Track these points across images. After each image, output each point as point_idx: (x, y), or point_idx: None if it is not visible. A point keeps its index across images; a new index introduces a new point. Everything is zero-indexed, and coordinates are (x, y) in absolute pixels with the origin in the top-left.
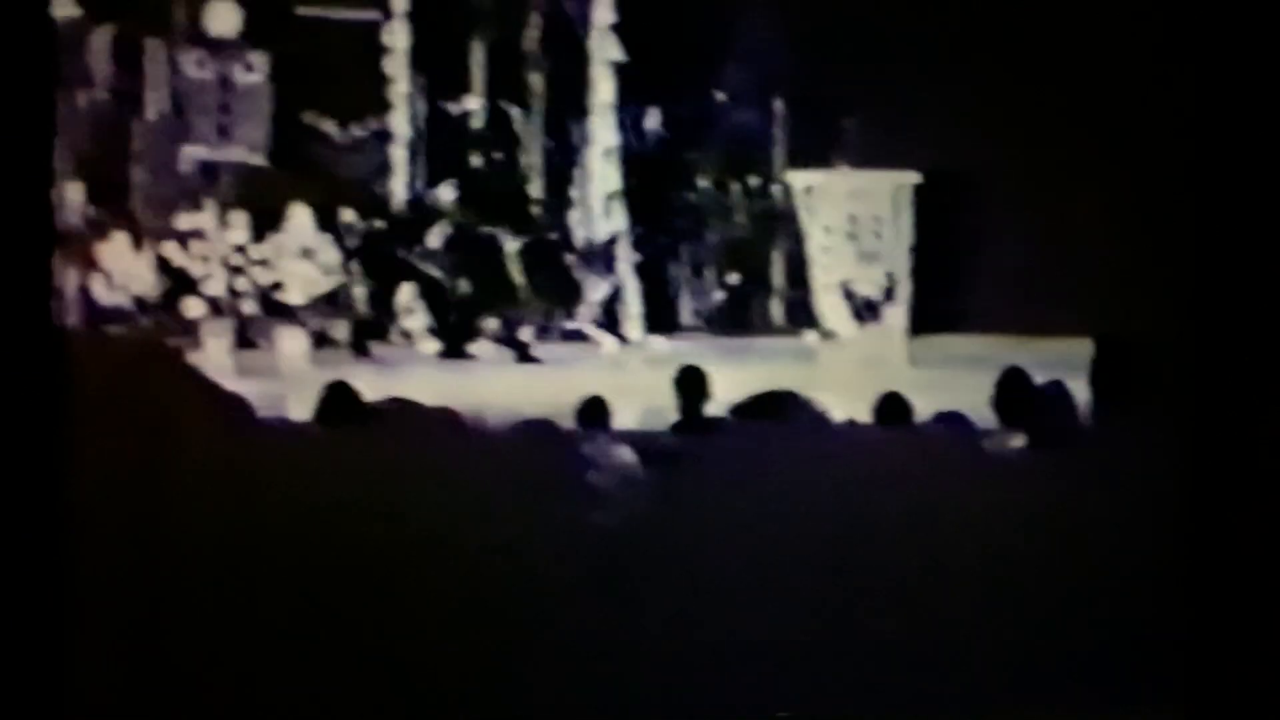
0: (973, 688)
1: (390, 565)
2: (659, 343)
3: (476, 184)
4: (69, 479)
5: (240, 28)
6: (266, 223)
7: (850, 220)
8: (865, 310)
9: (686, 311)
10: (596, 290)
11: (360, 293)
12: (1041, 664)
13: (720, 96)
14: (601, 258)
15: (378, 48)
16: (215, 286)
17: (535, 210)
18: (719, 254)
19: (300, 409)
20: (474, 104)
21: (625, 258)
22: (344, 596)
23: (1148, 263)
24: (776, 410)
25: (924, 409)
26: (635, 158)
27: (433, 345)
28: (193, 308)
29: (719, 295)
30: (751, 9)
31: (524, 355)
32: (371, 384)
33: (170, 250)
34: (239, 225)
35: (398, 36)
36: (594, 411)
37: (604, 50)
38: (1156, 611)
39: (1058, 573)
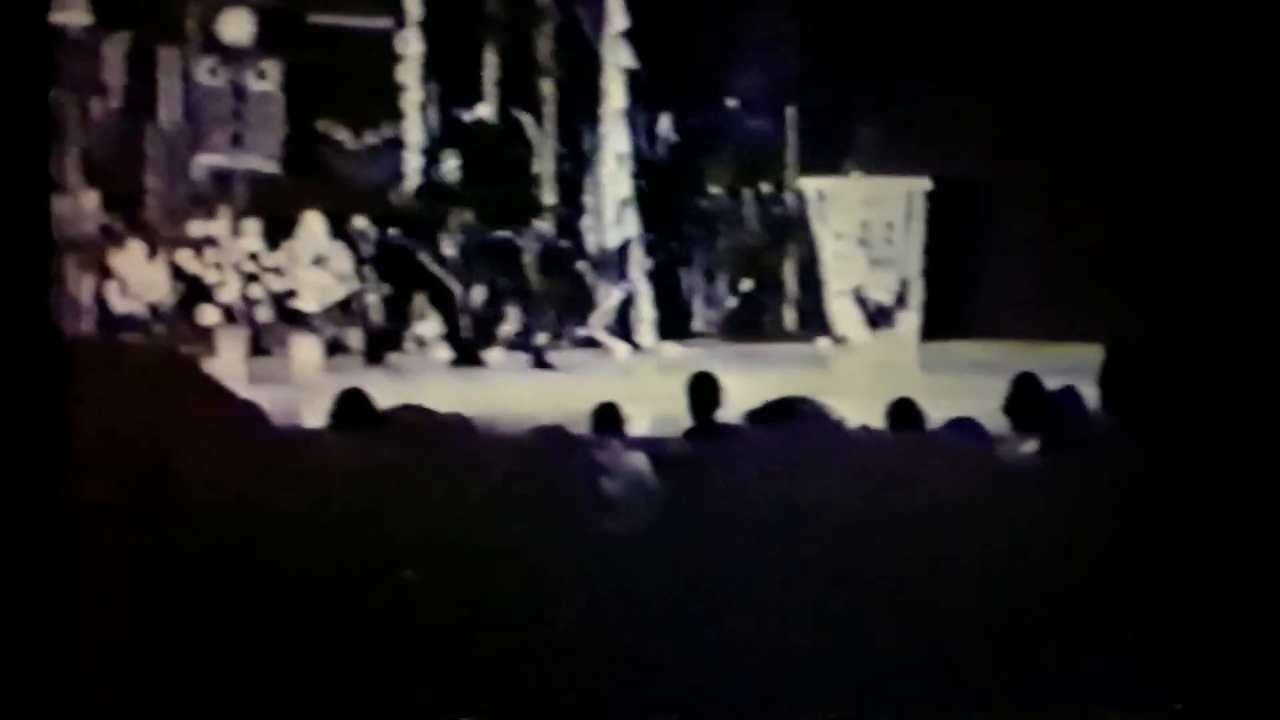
0: (976, 688)
1: (404, 571)
2: (671, 349)
3: (488, 189)
4: (80, 485)
5: (253, 36)
6: (280, 230)
7: (862, 226)
8: (877, 316)
9: (699, 318)
10: (609, 297)
11: (374, 300)
12: (1046, 664)
13: (732, 103)
14: (614, 264)
15: (391, 55)
16: (229, 294)
17: (548, 216)
18: (731, 260)
19: (314, 416)
20: (486, 111)
21: (638, 264)
22: (358, 603)
23: (1158, 268)
24: (789, 416)
25: (936, 415)
26: (647, 164)
27: (446, 352)
28: (207, 315)
29: (731, 301)
30: (763, 16)
31: (540, 361)
32: (385, 391)
33: (184, 258)
34: (252, 233)
35: (410, 44)
36: (608, 418)
37: (616, 57)
38: (1159, 613)
39: (1064, 575)
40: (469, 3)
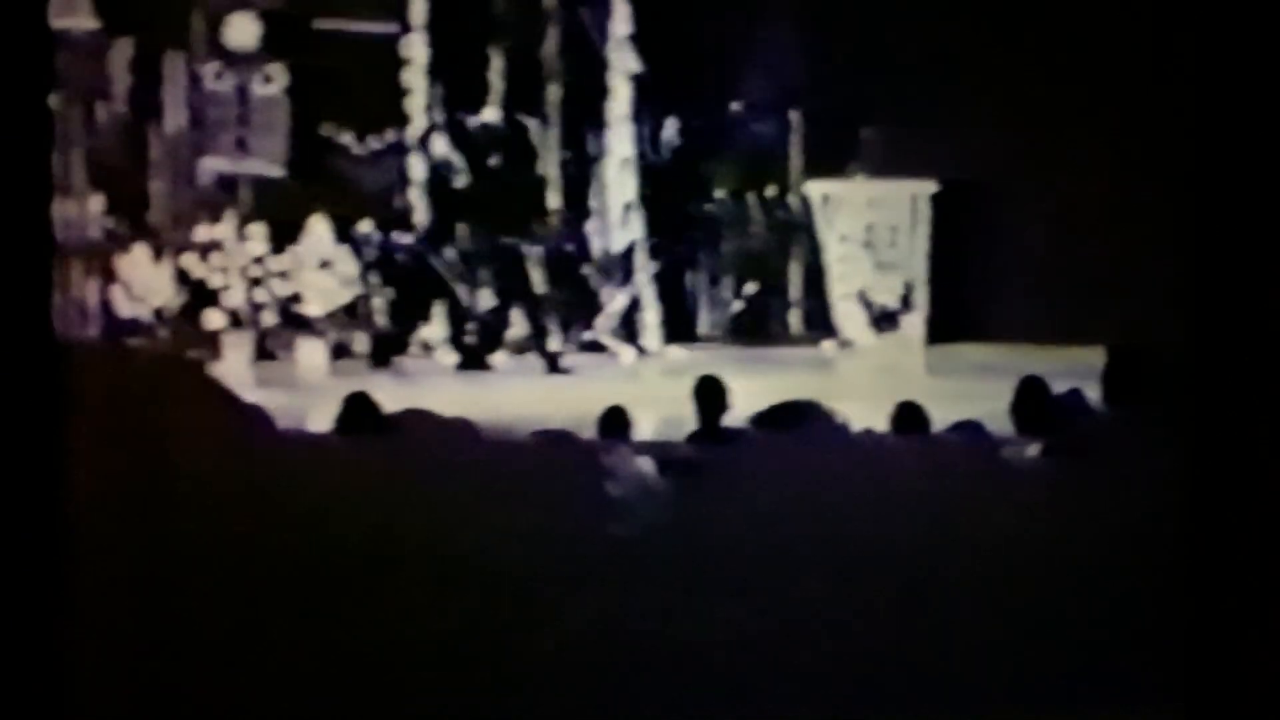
0: (979, 688)
1: (410, 575)
2: (677, 352)
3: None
4: (84, 489)
5: (259, 40)
6: (285, 234)
7: (867, 230)
8: (882, 319)
9: (704, 321)
10: (614, 300)
11: (379, 304)
12: (1049, 665)
13: (737, 107)
14: (619, 268)
15: (396, 60)
16: (234, 298)
17: (552, 220)
18: (736, 264)
19: (320, 420)
20: (492, 115)
21: (643, 268)
22: (362, 606)
23: (1162, 271)
24: (795, 420)
25: (941, 418)
26: (652, 168)
27: (451, 356)
28: (212, 319)
29: (736, 305)
30: (768, 20)
31: (554, 366)
32: (390, 395)
33: (189, 262)
34: (258, 237)
35: (416, 49)
36: (615, 422)
37: (621, 61)
38: (1162, 614)
39: (1067, 577)
40: (474, 7)
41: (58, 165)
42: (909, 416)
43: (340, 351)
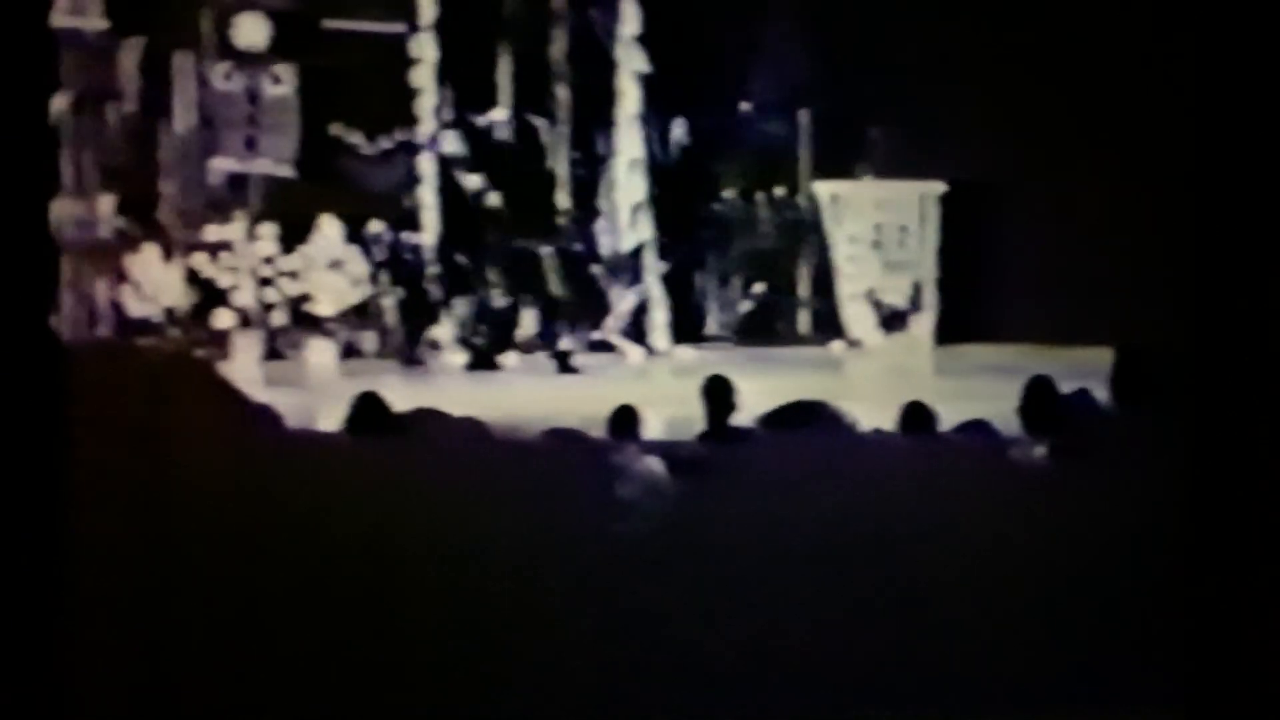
0: (982, 687)
1: (419, 574)
2: (685, 353)
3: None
4: (93, 488)
5: (268, 40)
6: (295, 234)
7: (876, 230)
8: (891, 319)
9: (713, 321)
10: (623, 301)
11: (389, 303)
12: (1052, 665)
13: (746, 107)
14: (628, 268)
15: (405, 60)
16: (244, 298)
17: (562, 221)
18: (745, 264)
19: (329, 420)
20: (501, 115)
21: (652, 268)
22: (371, 606)
23: (1171, 271)
24: (803, 420)
25: (949, 418)
26: (661, 168)
27: (461, 356)
28: (222, 319)
29: (745, 305)
30: (777, 20)
31: (565, 366)
32: (400, 395)
33: (199, 262)
34: (268, 237)
35: (425, 48)
36: (625, 421)
37: (630, 61)
38: (1167, 613)
39: (1074, 578)
40: (483, 7)
41: (68, 165)
42: (917, 416)
43: (350, 351)
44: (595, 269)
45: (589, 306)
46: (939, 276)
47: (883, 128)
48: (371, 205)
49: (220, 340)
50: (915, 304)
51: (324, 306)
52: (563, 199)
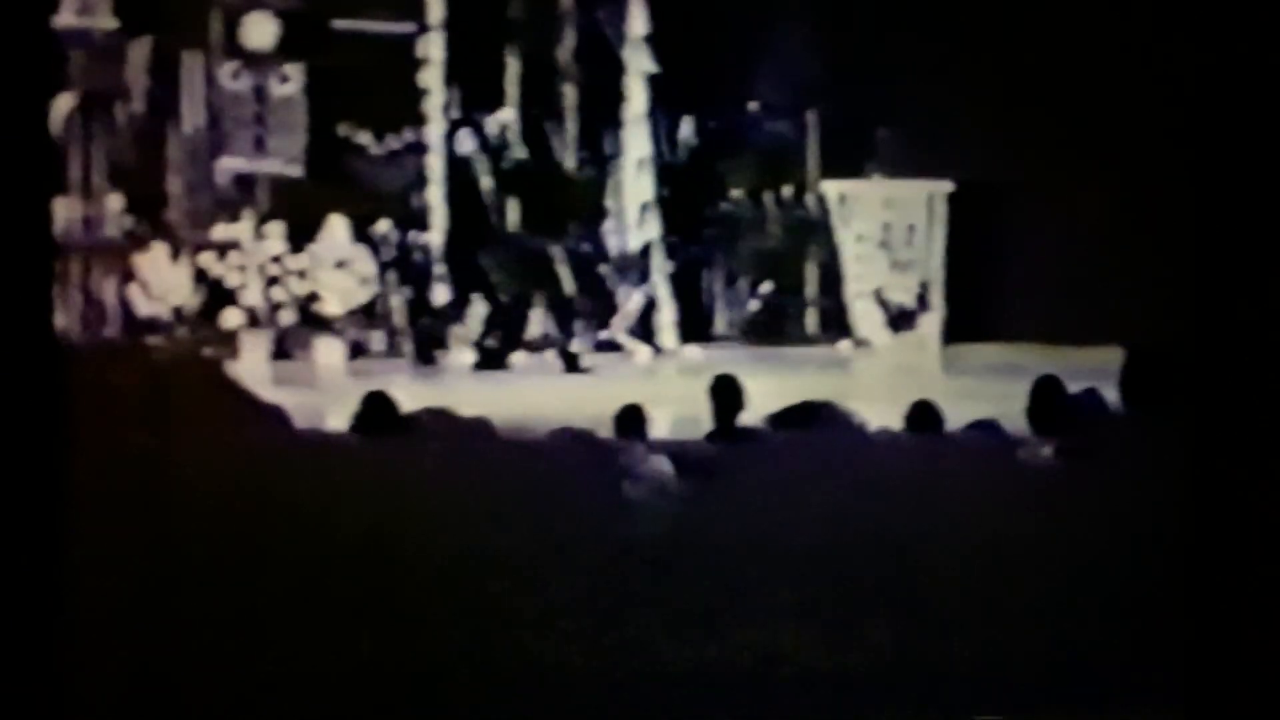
0: (987, 687)
1: (427, 574)
2: (693, 352)
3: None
4: (99, 487)
5: (276, 40)
6: (303, 234)
7: (884, 229)
8: (899, 318)
9: (720, 321)
10: (631, 300)
11: (397, 303)
12: (1055, 665)
13: (753, 107)
14: (636, 267)
15: (413, 60)
16: (252, 297)
17: (570, 220)
18: (753, 263)
19: (338, 419)
20: (509, 115)
21: (659, 268)
22: (379, 605)
23: (1180, 271)
24: (810, 419)
25: (957, 418)
26: (669, 168)
27: (469, 356)
28: (230, 319)
29: (753, 305)
30: (785, 20)
31: (572, 365)
32: (408, 394)
33: (207, 261)
34: (276, 236)
35: (433, 48)
36: (632, 420)
37: (637, 61)
38: (1173, 614)
39: (1080, 578)
40: (491, 7)
41: (76, 165)
42: (924, 416)
43: (358, 351)
44: (603, 268)
45: (596, 306)
46: (946, 276)
47: (890, 127)
48: (379, 205)
49: (228, 340)
50: (923, 303)
51: (332, 306)
52: (570, 199)
